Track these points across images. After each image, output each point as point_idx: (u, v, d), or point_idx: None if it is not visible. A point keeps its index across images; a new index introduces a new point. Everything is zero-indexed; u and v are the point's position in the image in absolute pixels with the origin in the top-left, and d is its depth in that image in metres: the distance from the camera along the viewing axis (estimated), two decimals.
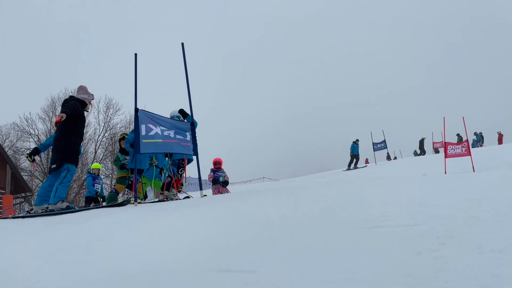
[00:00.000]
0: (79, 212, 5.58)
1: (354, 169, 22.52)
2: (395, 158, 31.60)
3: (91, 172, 10.68)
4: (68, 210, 5.82)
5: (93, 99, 6.60)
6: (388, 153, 32.31)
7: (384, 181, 5.76)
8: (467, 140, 12.77)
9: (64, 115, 5.86)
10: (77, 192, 28.81)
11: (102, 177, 12.61)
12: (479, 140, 27.18)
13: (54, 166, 6.10)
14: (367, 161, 30.94)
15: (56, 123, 6.65)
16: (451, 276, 1.77)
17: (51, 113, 30.39)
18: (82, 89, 6.56)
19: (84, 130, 7.56)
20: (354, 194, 4.38)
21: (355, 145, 22.90)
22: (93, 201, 10.14)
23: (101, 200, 10.22)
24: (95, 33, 68.58)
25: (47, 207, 6.01)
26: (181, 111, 7.79)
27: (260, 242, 2.70)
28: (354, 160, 23.01)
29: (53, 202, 5.91)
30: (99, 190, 10.36)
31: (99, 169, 10.80)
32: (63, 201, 5.96)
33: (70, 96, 6.59)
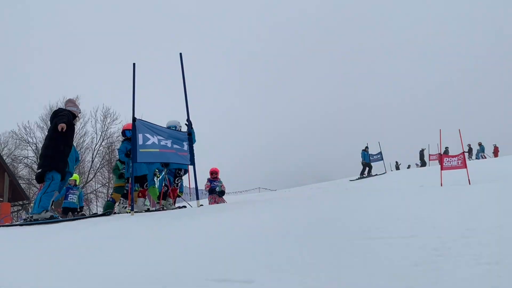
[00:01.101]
0: (77, 221, 5.57)
1: (367, 177, 21.71)
2: (409, 166, 31.67)
3: (69, 182, 10.76)
4: (52, 220, 5.79)
5: (80, 112, 6.71)
6: (396, 162, 32.63)
7: (381, 193, 5.77)
8: (463, 152, 12.80)
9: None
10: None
11: (81, 188, 12.66)
12: (483, 150, 26.94)
13: (39, 171, 6.10)
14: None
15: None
16: None
17: (49, 122, 30.27)
18: (71, 102, 6.67)
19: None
20: (351, 206, 4.39)
21: (365, 153, 21.90)
22: (70, 211, 10.22)
23: (78, 210, 10.32)
24: (93, 42, 68.82)
25: (31, 217, 5.97)
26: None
27: (256, 252, 2.69)
28: (367, 168, 22.28)
29: (37, 211, 5.88)
30: (74, 201, 10.42)
31: (75, 180, 10.85)
32: (47, 211, 5.92)
33: (60, 108, 6.67)
